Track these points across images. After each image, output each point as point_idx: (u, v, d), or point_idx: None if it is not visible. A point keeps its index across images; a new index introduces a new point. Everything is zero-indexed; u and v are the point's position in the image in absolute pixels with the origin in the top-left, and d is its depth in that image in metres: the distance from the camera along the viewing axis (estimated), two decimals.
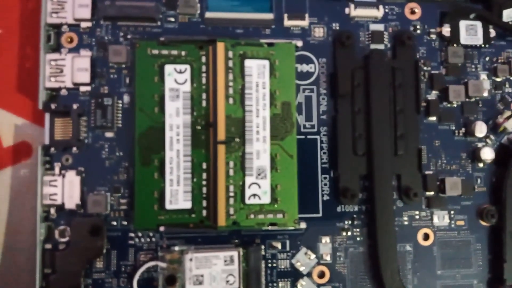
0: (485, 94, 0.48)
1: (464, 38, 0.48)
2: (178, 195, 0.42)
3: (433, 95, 0.47)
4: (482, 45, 0.48)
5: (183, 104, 0.43)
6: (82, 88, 0.44)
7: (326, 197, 0.45)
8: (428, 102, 0.47)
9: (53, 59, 0.43)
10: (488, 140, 0.48)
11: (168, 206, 0.42)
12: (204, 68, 0.44)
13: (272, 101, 0.44)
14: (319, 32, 0.47)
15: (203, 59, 0.44)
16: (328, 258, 0.45)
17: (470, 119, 0.48)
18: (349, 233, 0.45)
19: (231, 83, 0.44)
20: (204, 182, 0.43)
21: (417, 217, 0.46)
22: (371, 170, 0.45)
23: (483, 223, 0.47)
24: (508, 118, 0.47)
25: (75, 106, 0.43)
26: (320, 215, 0.45)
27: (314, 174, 0.45)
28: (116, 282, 0.43)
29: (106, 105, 0.43)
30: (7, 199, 0.45)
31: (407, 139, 0.46)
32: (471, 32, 0.48)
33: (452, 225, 0.47)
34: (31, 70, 0.46)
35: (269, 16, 0.46)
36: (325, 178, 0.46)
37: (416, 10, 0.48)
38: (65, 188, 0.42)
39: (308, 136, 0.46)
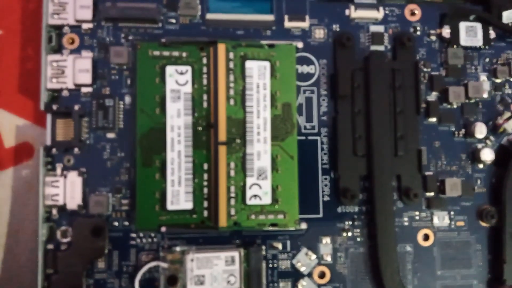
0: (485, 95, 0.48)
1: (464, 40, 0.48)
2: (179, 196, 0.43)
3: (433, 96, 0.48)
4: (482, 47, 0.48)
5: (184, 105, 0.43)
6: (84, 89, 0.44)
7: (326, 198, 0.46)
8: (428, 103, 0.47)
9: (54, 60, 0.43)
10: (488, 141, 0.48)
11: (170, 206, 0.42)
12: (205, 69, 0.44)
13: (272, 102, 0.44)
14: (319, 33, 0.47)
15: (204, 60, 0.44)
16: (328, 258, 0.45)
17: (470, 120, 0.48)
18: (350, 234, 0.45)
19: (232, 84, 0.44)
20: (205, 183, 0.43)
21: (417, 217, 0.46)
22: (371, 171, 0.45)
23: (483, 224, 0.47)
24: (508, 119, 0.47)
25: (76, 107, 0.43)
26: (320, 215, 0.45)
27: (315, 175, 0.46)
28: (117, 282, 0.43)
29: (107, 106, 0.44)
30: (9, 200, 0.46)
31: (407, 140, 0.46)
32: (471, 33, 0.48)
33: (452, 226, 0.47)
34: (32, 71, 0.46)
35: (270, 17, 0.46)
36: (325, 179, 0.46)
37: (416, 12, 0.48)
38: (67, 189, 0.42)
39: (309, 137, 0.46)
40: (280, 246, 0.45)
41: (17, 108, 0.47)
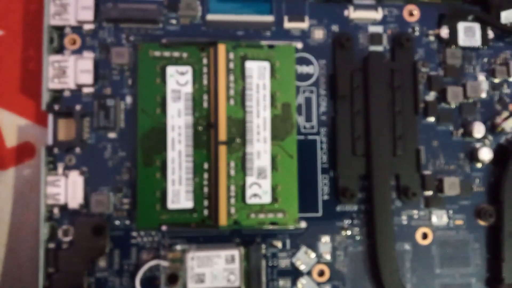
0: (483, 95, 0.48)
1: (462, 40, 0.48)
2: (180, 195, 0.43)
3: (431, 96, 0.48)
4: (480, 47, 0.49)
5: (184, 105, 0.44)
6: (85, 90, 0.44)
7: (325, 197, 0.46)
8: (426, 103, 0.47)
9: (56, 61, 0.43)
10: (486, 141, 0.48)
11: (170, 205, 0.43)
12: (205, 69, 0.44)
13: (272, 102, 0.44)
14: (318, 34, 0.47)
15: (205, 60, 0.44)
16: (328, 257, 0.45)
17: (468, 119, 0.48)
18: (349, 232, 0.46)
19: (232, 85, 0.44)
20: (205, 182, 0.43)
21: (416, 216, 0.47)
22: (370, 170, 0.45)
23: (481, 223, 0.47)
24: (506, 118, 0.48)
25: (78, 107, 0.43)
26: (320, 214, 0.46)
27: (314, 174, 0.46)
28: (118, 281, 0.43)
29: (108, 106, 0.44)
30: (10, 199, 0.46)
31: (406, 140, 0.46)
32: (469, 33, 0.48)
33: (451, 225, 0.47)
34: (34, 72, 0.46)
35: (270, 18, 0.46)
36: (324, 178, 0.46)
37: (415, 12, 0.48)
38: (68, 188, 0.43)
39: (308, 137, 0.46)
40: (279, 244, 0.45)
41: (18, 108, 0.47)
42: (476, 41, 0.48)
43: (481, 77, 0.49)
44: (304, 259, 0.45)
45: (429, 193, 0.46)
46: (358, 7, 0.47)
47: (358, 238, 0.46)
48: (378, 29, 0.48)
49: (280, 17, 0.47)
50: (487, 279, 0.47)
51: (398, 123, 0.46)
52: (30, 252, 0.45)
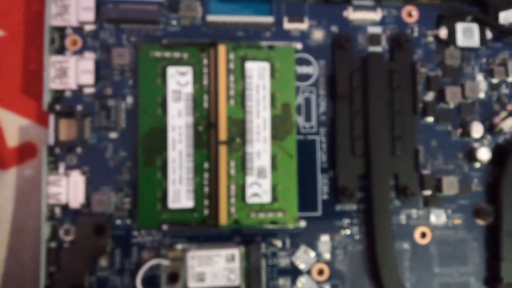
0: (482, 95, 0.49)
1: (461, 40, 0.48)
2: (180, 195, 0.43)
3: (430, 96, 0.48)
4: (479, 47, 0.49)
5: (185, 105, 0.44)
6: (86, 90, 0.44)
7: (325, 196, 0.46)
8: (425, 103, 0.47)
9: (57, 61, 0.43)
10: (484, 141, 0.48)
11: (171, 205, 0.43)
12: (205, 70, 0.44)
13: (272, 102, 0.45)
14: (318, 34, 0.47)
15: (205, 61, 0.44)
16: (327, 256, 0.45)
17: (466, 119, 0.48)
18: (348, 232, 0.46)
19: (232, 85, 0.44)
20: (206, 182, 0.43)
21: (415, 216, 0.47)
22: (369, 170, 0.45)
23: (480, 222, 0.47)
24: (504, 118, 0.48)
25: (79, 107, 0.44)
26: (319, 214, 0.46)
27: (314, 174, 0.46)
28: (119, 280, 0.43)
29: (109, 106, 0.44)
30: (12, 199, 0.46)
31: (405, 140, 0.46)
32: (467, 34, 0.48)
33: (449, 224, 0.47)
34: (35, 72, 0.46)
35: (269, 19, 0.46)
36: (324, 177, 0.46)
37: (413, 13, 0.49)
38: (69, 188, 0.43)
39: (308, 137, 0.46)
40: (279, 243, 0.45)
41: (20, 108, 0.47)
42: (475, 42, 0.49)
43: (480, 77, 0.49)
44: (303, 258, 0.45)
45: (427, 192, 0.47)
46: (357, 8, 0.47)
47: (357, 237, 0.46)
48: (377, 29, 0.48)
49: (279, 18, 0.47)
50: (485, 278, 0.47)
51: (397, 123, 0.46)
52: (32, 251, 0.45)
